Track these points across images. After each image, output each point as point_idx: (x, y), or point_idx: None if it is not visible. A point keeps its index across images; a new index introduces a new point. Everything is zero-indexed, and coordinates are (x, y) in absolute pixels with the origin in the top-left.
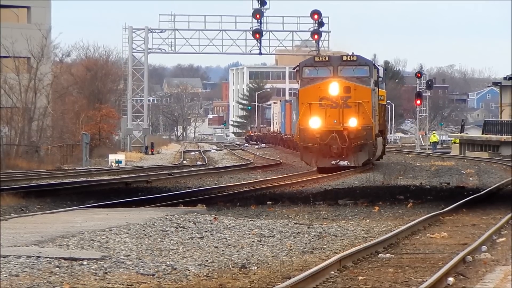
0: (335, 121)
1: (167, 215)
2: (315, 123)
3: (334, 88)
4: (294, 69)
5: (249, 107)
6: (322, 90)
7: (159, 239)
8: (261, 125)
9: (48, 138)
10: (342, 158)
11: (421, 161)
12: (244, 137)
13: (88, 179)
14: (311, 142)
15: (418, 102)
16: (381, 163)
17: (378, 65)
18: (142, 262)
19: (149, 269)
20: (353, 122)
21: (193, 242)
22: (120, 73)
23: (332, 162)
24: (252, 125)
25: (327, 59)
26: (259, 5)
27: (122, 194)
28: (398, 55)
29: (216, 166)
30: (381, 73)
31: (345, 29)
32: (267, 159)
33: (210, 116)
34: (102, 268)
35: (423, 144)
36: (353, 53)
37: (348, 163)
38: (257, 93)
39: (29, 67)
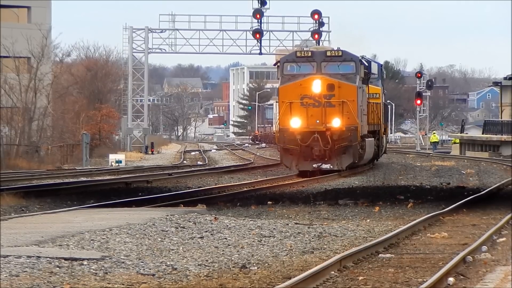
0: (318, 121)
1: (167, 215)
2: (295, 123)
3: (316, 86)
4: (274, 64)
5: (250, 107)
6: (304, 87)
7: (160, 239)
8: (267, 125)
9: (48, 138)
10: (324, 161)
11: (421, 161)
12: (250, 137)
13: (88, 179)
14: (291, 143)
15: (418, 102)
16: (381, 163)
17: (374, 61)
18: (142, 262)
19: (150, 269)
20: (336, 123)
21: (194, 242)
22: (120, 73)
23: (314, 165)
24: (258, 125)
25: (309, 54)
26: (259, 5)
27: (122, 194)
28: (398, 55)
29: (216, 166)
30: (375, 70)
31: (346, 28)
32: (268, 159)
33: (211, 116)
34: (103, 268)
35: (423, 144)
36: (338, 48)
37: (331, 167)
38: (257, 93)
39: (29, 67)
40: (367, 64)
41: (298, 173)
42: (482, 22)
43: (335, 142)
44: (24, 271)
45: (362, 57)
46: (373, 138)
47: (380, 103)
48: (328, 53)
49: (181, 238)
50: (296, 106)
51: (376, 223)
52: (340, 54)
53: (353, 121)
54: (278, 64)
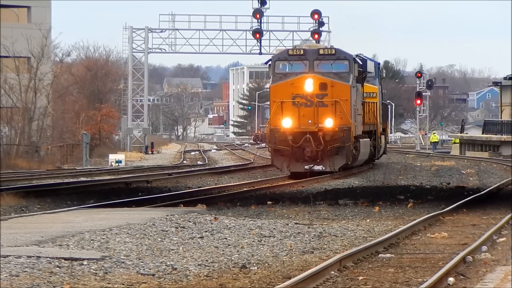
0: (310, 121)
1: (167, 215)
2: (287, 123)
3: (308, 85)
4: (266, 63)
5: (249, 107)
6: (296, 87)
7: (159, 239)
8: (266, 125)
9: (48, 138)
10: (316, 162)
11: (421, 161)
12: (251, 137)
13: (88, 179)
14: (283, 144)
15: (418, 102)
16: (381, 163)
17: (371, 59)
18: (142, 262)
19: (149, 269)
20: (329, 123)
21: (193, 242)
22: (120, 73)
23: (306, 167)
24: (260, 125)
25: (302, 52)
26: (259, 5)
27: (122, 194)
28: (398, 55)
29: (216, 166)
30: (371, 68)
31: (346, 28)
32: (268, 159)
33: (210, 116)
34: (103, 268)
35: (423, 144)
36: (331, 46)
37: (323, 168)
38: (257, 93)
39: (29, 67)
40: (361, 63)
41: (290, 175)
42: (482, 22)
43: (328, 143)
44: (24, 271)
45: (357, 55)
46: (368, 139)
47: (377, 103)
48: (321, 51)
49: (181, 238)
50: (287, 106)
51: (376, 223)
52: (333, 52)
53: (346, 121)
54: (270, 62)
